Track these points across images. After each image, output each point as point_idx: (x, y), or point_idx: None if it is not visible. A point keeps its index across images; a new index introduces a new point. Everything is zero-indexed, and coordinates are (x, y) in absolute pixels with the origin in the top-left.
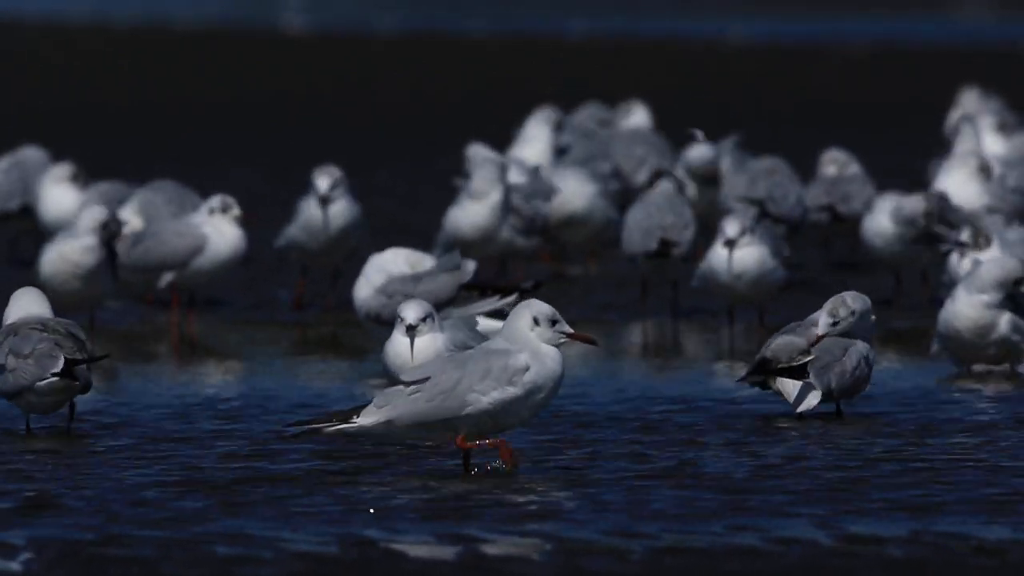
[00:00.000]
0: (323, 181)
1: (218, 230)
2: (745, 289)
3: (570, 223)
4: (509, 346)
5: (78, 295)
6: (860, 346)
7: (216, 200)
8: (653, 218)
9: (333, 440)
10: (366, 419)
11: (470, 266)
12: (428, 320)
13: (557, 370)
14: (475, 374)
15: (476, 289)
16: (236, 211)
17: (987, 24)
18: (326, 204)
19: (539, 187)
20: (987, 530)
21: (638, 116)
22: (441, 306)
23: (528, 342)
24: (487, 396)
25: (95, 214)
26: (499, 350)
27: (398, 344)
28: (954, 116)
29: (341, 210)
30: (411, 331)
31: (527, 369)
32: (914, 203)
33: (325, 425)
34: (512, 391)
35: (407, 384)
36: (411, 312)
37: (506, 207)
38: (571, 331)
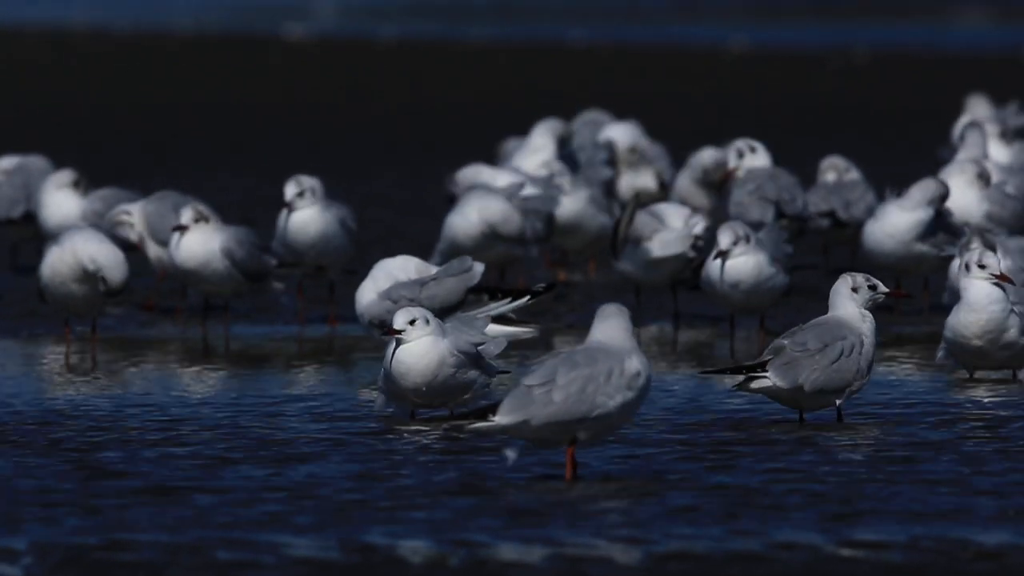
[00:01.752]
0: (289, 188)
1: (183, 240)
2: (743, 298)
3: (561, 229)
4: (618, 348)
5: (77, 298)
6: (847, 340)
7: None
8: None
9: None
10: (504, 418)
11: (478, 269)
12: (419, 322)
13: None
14: (600, 376)
15: (485, 292)
16: (182, 219)
17: (987, 31)
18: (290, 211)
19: (545, 195)
20: (987, 535)
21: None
22: (449, 310)
23: (633, 346)
24: (613, 400)
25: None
26: (612, 352)
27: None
28: (962, 122)
29: (311, 218)
30: (393, 333)
31: (639, 374)
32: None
33: (465, 423)
34: (631, 395)
35: (531, 387)
36: (398, 317)
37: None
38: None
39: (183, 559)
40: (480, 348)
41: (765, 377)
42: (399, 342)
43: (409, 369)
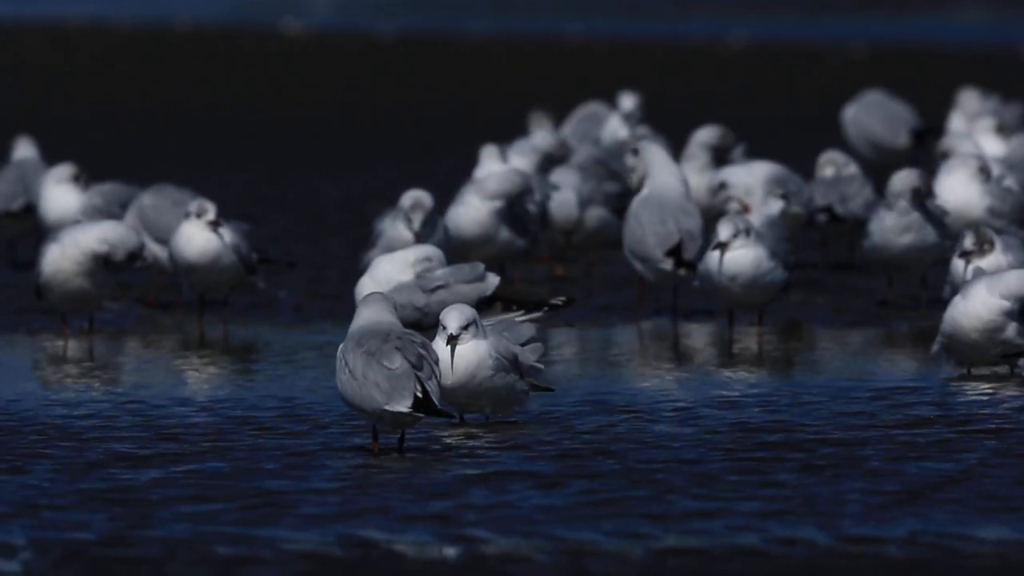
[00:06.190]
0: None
1: (186, 235)
2: (741, 291)
3: (557, 225)
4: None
5: (79, 294)
6: None
7: (192, 205)
8: (668, 221)
9: None
10: None
11: (492, 280)
12: (471, 328)
13: None
14: None
15: (500, 301)
16: (210, 215)
17: (985, 25)
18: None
19: (540, 189)
20: (988, 530)
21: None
22: None
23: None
24: None
25: (96, 239)
26: None
27: (440, 352)
28: (953, 120)
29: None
30: (452, 341)
31: None
32: (904, 178)
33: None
34: None
35: None
36: (453, 321)
37: (508, 211)
38: None
39: (182, 554)
40: (518, 353)
41: None
42: (452, 346)
43: (445, 371)
